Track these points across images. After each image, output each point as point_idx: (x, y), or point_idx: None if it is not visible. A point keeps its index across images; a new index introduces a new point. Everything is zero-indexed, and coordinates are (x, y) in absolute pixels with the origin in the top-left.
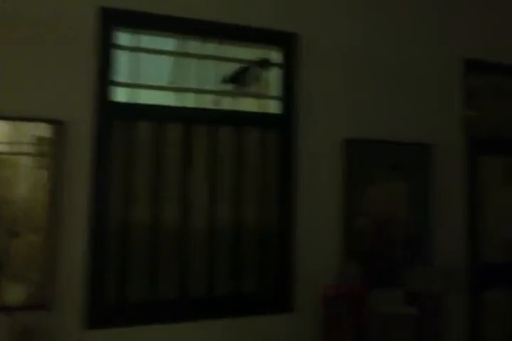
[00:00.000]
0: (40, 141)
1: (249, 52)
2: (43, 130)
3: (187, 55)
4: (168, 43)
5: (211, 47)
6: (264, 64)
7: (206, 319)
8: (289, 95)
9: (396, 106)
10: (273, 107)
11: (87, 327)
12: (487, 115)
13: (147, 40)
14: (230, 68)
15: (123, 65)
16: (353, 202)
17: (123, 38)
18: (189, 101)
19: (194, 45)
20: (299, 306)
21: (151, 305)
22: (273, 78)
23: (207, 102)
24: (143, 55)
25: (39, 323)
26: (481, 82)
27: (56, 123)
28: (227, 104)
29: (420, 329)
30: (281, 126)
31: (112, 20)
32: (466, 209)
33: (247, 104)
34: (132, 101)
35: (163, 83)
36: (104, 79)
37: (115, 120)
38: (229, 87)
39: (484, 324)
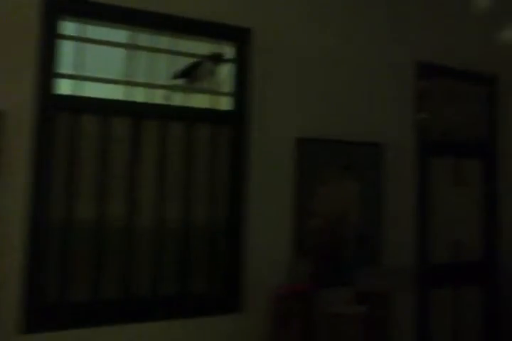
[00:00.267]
0: None
1: (202, 47)
2: None
3: (137, 47)
4: (121, 35)
5: (164, 41)
6: (217, 59)
7: (152, 320)
8: (241, 92)
9: (349, 106)
10: (225, 104)
11: (24, 331)
12: (439, 117)
13: (97, 31)
14: (183, 63)
15: (68, 55)
16: (305, 201)
17: (69, 27)
18: (139, 95)
19: (146, 38)
20: (249, 306)
21: (95, 306)
22: (226, 74)
23: (157, 97)
24: (92, 47)
25: None
26: (433, 84)
27: None
28: (179, 99)
29: (369, 327)
30: (233, 123)
31: (57, 8)
32: (416, 209)
33: (199, 100)
34: (78, 93)
35: (113, 76)
36: (48, 69)
37: (59, 112)
38: (180, 82)
39: (431, 322)
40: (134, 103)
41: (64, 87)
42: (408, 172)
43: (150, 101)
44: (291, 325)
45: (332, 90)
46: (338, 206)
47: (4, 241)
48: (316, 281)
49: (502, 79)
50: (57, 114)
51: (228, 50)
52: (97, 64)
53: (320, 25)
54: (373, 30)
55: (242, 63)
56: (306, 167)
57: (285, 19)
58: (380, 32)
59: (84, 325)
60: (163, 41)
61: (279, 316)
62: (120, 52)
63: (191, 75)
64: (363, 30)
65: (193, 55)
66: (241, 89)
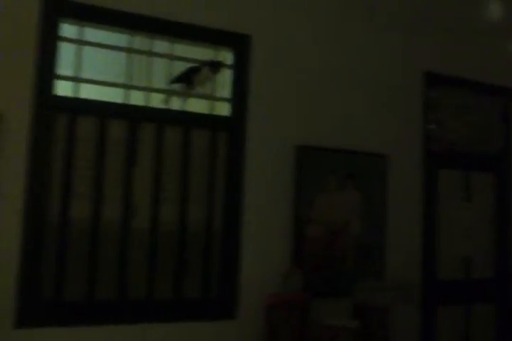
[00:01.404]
0: None
1: (202, 52)
2: None
3: (136, 51)
4: (121, 39)
5: (163, 46)
6: (217, 65)
7: (145, 322)
8: (239, 98)
9: (353, 116)
10: (223, 109)
11: (17, 326)
12: (447, 129)
13: (97, 34)
14: (181, 68)
15: (68, 58)
16: (304, 210)
17: (68, 29)
18: (137, 98)
19: (145, 42)
20: (243, 313)
21: (89, 306)
22: (224, 79)
23: (155, 101)
24: (91, 49)
25: None
26: (442, 95)
27: None
28: (176, 104)
29: None
30: (230, 129)
31: (57, 10)
32: (422, 222)
33: (197, 105)
34: (76, 95)
35: (112, 79)
36: (46, 71)
37: (56, 114)
38: (177, 86)
39: (437, 340)
40: (132, 106)
41: (62, 89)
42: (414, 184)
43: (147, 104)
44: (283, 334)
45: (335, 99)
46: (339, 215)
47: (2, 240)
48: (311, 291)
49: None
50: (55, 116)
51: (227, 56)
52: (95, 66)
53: (324, 32)
54: (381, 39)
55: (241, 70)
56: (307, 175)
57: (285, 27)
58: (389, 41)
59: (77, 323)
60: (163, 46)
61: (270, 325)
62: (119, 56)
63: (189, 80)
64: (370, 39)
65: (191, 61)
66: (239, 96)
